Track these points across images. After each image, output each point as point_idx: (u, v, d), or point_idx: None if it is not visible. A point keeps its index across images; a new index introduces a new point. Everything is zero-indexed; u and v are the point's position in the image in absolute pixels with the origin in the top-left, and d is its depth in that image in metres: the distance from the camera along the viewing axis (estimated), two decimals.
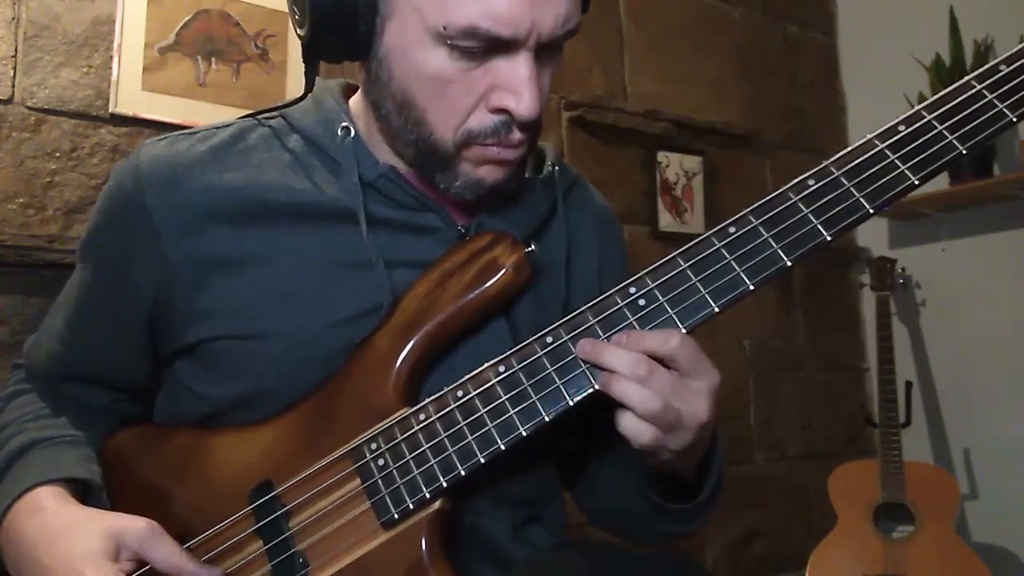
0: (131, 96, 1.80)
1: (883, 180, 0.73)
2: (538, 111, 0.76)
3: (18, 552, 0.76)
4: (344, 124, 0.84)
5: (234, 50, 1.95)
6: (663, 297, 0.74)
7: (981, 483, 2.68)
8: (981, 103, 0.73)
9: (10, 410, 0.90)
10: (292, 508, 0.77)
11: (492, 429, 0.74)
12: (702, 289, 0.73)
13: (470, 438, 0.74)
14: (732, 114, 2.84)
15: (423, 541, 0.74)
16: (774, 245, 0.73)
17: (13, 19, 1.70)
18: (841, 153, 0.75)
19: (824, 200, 0.73)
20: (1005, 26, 2.43)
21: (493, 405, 0.74)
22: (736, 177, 2.81)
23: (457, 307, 0.78)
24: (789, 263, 0.73)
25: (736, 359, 2.74)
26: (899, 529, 2.32)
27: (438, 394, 0.76)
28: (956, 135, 0.72)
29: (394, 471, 0.75)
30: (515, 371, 0.74)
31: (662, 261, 0.75)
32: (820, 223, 0.73)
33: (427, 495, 0.74)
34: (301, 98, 0.87)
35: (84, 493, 0.82)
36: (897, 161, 0.73)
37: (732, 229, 0.74)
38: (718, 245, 0.74)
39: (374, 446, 0.76)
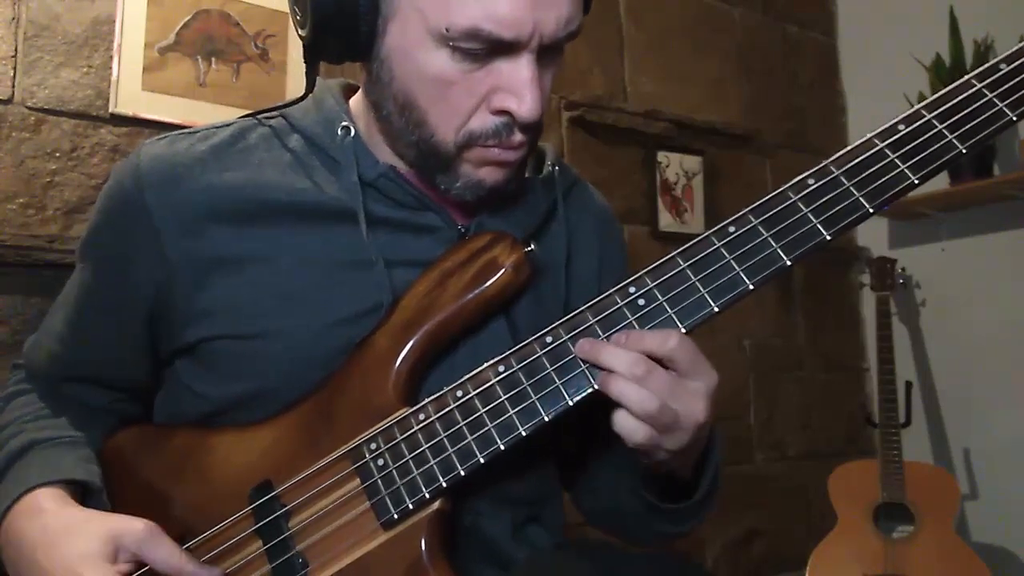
0: (131, 96, 1.80)
1: (883, 179, 0.73)
2: (540, 113, 0.76)
3: (18, 553, 0.76)
4: (344, 124, 0.84)
5: (234, 50, 1.95)
6: (662, 297, 0.74)
7: (981, 483, 2.68)
8: (981, 102, 0.73)
9: (10, 410, 0.90)
10: (292, 508, 0.77)
11: (492, 429, 0.74)
12: (701, 289, 0.73)
13: (470, 438, 0.74)
14: (732, 114, 2.84)
15: (423, 541, 0.74)
16: (774, 245, 0.73)
17: (13, 19, 1.70)
18: (841, 152, 0.75)
19: (824, 199, 0.73)
20: (1005, 26, 2.42)
21: (493, 405, 0.74)
22: (736, 177, 2.81)
23: (457, 307, 0.78)
24: (789, 263, 0.73)
25: (736, 359, 2.74)
26: (899, 529, 2.32)
27: (438, 394, 0.76)
28: (956, 134, 0.72)
29: (394, 471, 0.75)
30: (515, 371, 0.74)
31: (661, 261, 0.75)
32: (820, 222, 0.72)
33: (427, 495, 0.74)
34: (302, 98, 0.87)
35: (84, 494, 0.82)
36: (897, 160, 0.73)
37: (731, 228, 0.74)
38: (718, 245, 0.74)
39: (374, 446, 0.76)
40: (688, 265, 0.74)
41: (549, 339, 0.75)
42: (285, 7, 2.00)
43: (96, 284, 0.87)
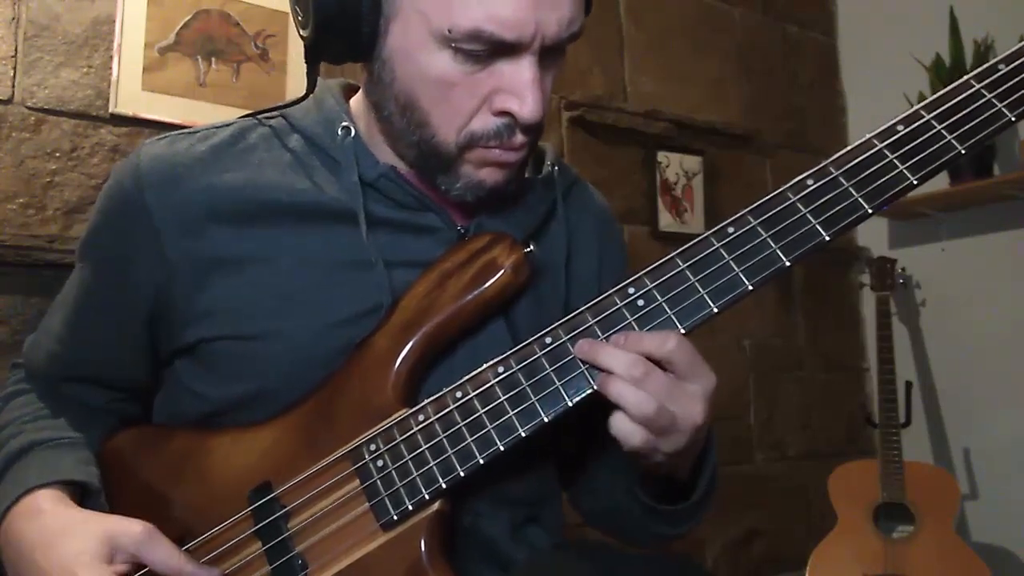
0: (131, 96, 1.81)
1: (882, 180, 0.72)
2: (541, 114, 0.76)
3: (17, 554, 0.76)
4: (344, 124, 0.84)
5: (234, 50, 1.95)
6: (662, 297, 0.74)
7: (981, 483, 2.68)
8: (980, 102, 0.72)
9: (9, 411, 0.90)
10: (291, 509, 0.77)
11: (491, 430, 0.74)
12: (701, 289, 0.73)
13: (469, 439, 0.74)
14: (732, 114, 2.84)
15: (422, 542, 0.74)
16: (773, 245, 0.73)
17: (13, 19, 1.71)
18: (840, 153, 0.74)
19: (823, 200, 0.73)
20: (1005, 26, 2.42)
21: (492, 406, 0.74)
22: (736, 177, 2.81)
23: (456, 308, 0.78)
24: (788, 263, 0.72)
25: (736, 359, 2.73)
26: (899, 529, 2.32)
27: (437, 395, 0.76)
28: (955, 135, 0.72)
29: (393, 472, 0.75)
30: (514, 372, 0.74)
31: (661, 261, 0.74)
32: (819, 223, 0.72)
33: (426, 496, 0.74)
34: (303, 98, 0.87)
35: (83, 495, 0.82)
36: (896, 161, 0.73)
37: (731, 229, 0.74)
38: (717, 245, 0.74)
39: (373, 447, 0.76)
40: (687, 266, 0.74)
41: (549, 340, 0.75)
42: (285, 7, 2.01)
43: (96, 284, 0.87)
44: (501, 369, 0.75)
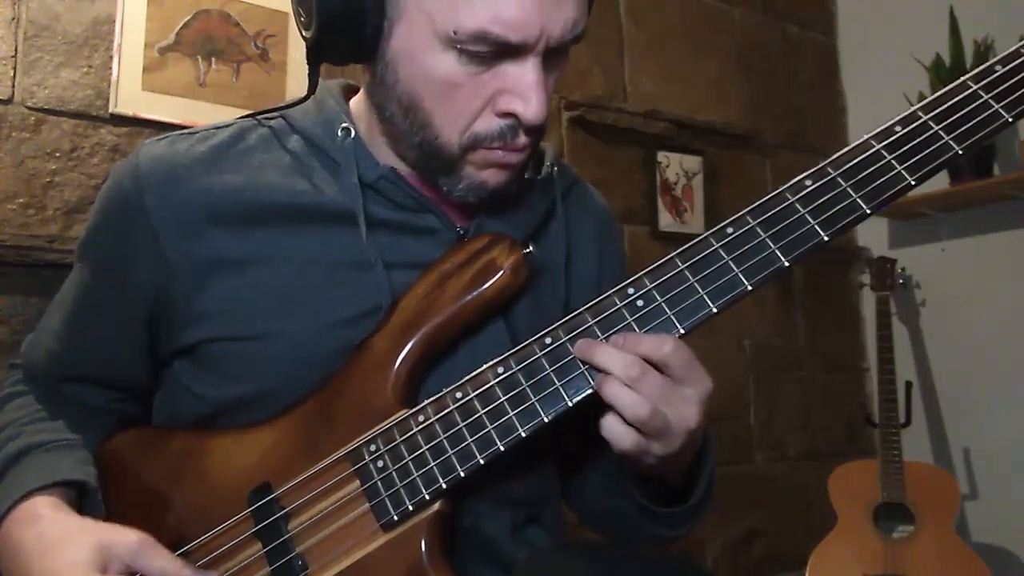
0: (131, 96, 1.81)
1: (880, 180, 0.73)
2: (545, 115, 0.76)
3: (15, 560, 0.76)
4: (344, 125, 0.84)
5: (234, 50, 1.95)
6: (661, 298, 0.74)
7: (981, 483, 2.68)
8: (977, 103, 0.73)
9: (6, 413, 0.90)
10: (291, 510, 0.77)
11: (491, 431, 0.74)
12: (700, 290, 0.73)
13: (469, 440, 0.74)
14: (732, 114, 2.84)
15: (423, 543, 0.74)
16: (772, 246, 0.73)
17: (13, 19, 1.71)
18: (838, 153, 0.75)
19: (821, 200, 0.73)
20: (1005, 26, 2.42)
21: (492, 406, 0.74)
22: (736, 177, 2.81)
23: (455, 308, 0.78)
24: (787, 263, 0.73)
25: (736, 359, 2.74)
26: (899, 529, 2.32)
27: (437, 395, 0.76)
28: (952, 135, 0.72)
29: (393, 473, 0.75)
30: (514, 372, 0.74)
31: (660, 262, 0.75)
32: (818, 223, 0.73)
33: (427, 497, 0.74)
34: (304, 99, 0.87)
35: (80, 494, 0.82)
36: (894, 162, 0.73)
37: (730, 230, 0.74)
38: (716, 246, 0.74)
39: (373, 448, 0.76)
40: (687, 266, 0.74)
41: (548, 340, 0.75)
42: (285, 7, 2.01)
43: (95, 284, 0.87)
44: (501, 370, 0.75)
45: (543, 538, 0.88)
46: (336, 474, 0.76)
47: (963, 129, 0.72)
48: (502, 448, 0.73)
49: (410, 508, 0.74)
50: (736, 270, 0.73)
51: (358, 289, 0.80)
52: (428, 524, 0.74)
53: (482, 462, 0.74)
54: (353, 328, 0.79)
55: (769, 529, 2.69)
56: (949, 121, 0.73)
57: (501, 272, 0.78)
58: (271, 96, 1.95)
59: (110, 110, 1.79)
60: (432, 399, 0.76)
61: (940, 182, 2.62)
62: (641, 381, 0.70)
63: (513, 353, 0.75)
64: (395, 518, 0.74)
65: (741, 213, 0.75)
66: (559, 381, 0.74)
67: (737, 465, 2.67)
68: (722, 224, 0.75)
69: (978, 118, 0.72)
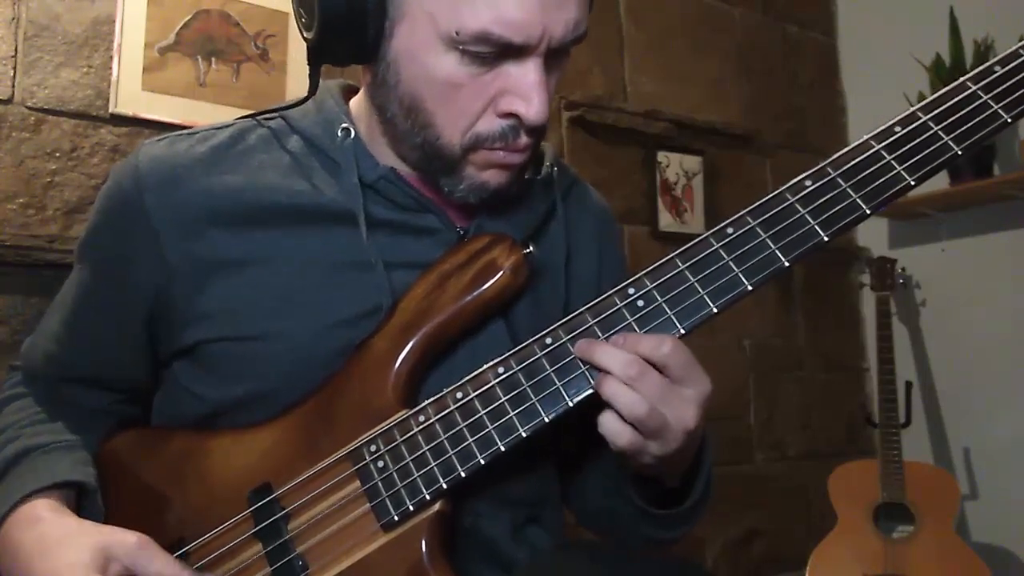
0: (131, 96, 1.81)
1: (880, 181, 0.73)
2: (547, 116, 0.76)
3: (15, 562, 0.76)
4: (344, 125, 0.84)
5: (234, 50, 1.95)
6: (661, 298, 0.74)
7: (981, 483, 2.68)
8: (976, 104, 0.73)
9: (5, 415, 0.90)
10: (291, 511, 0.77)
11: (492, 431, 0.74)
12: (700, 290, 0.73)
13: (470, 440, 0.74)
14: (732, 114, 2.84)
15: (423, 543, 0.74)
16: (772, 246, 0.73)
17: (13, 19, 1.71)
18: (838, 154, 0.75)
19: (821, 201, 0.73)
20: (1005, 26, 2.42)
21: (493, 407, 0.74)
22: (736, 177, 2.81)
23: (455, 309, 0.78)
24: (787, 264, 0.73)
25: (736, 359, 2.74)
26: (899, 529, 2.32)
27: (437, 396, 0.76)
28: (952, 136, 0.72)
29: (394, 473, 0.75)
30: (514, 372, 0.74)
31: (660, 262, 0.75)
32: (817, 224, 0.73)
33: (427, 497, 0.74)
34: (304, 100, 0.87)
35: (80, 495, 0.82)
36: (893, 162, 0.73)
37: (730, 230, 0.74)
38: (716, 246, 0.74)
39: (373, 448, 0.76)
40: (687, 266, 0.74)
41: (549, 340, 0.75)
42: (285, 7, 2.01)
43: (95, 285, 0.87)
44: (501, 370, 0.75)
45: (543, 538, 0.88)
46: (336, 474, 0.76)
47: (963, 129, 0.72)
48: (503, 448, 0.73)
49: (411, 508, 0.74)
50: (736, 270, 0.73)
51: (358, 289, 0.80)
52: (429, 524, 0.74)
53: (483, 462, 0.74)
54: (353, 328, 0.79)
55: (769, 529, 2.69)
56: (949, 121, 0.73)
57: (501, 272, 0.78)
58: (271, 96, 1.95)
59: (110, 110, 1.79)
60: (432, 399, 0.76)
61: (940, 182, 2.62)
62: (640, 380, 0.70)
63: (513, 353, 0.75)
64: (396, 518, 0.74)
65: (741, 213, 0.75)
66: (559, 381, 0.74)
67: (737, 465, 2.67)
68: (722, 224, 0.75)
69: (978, 118, 0.72)
